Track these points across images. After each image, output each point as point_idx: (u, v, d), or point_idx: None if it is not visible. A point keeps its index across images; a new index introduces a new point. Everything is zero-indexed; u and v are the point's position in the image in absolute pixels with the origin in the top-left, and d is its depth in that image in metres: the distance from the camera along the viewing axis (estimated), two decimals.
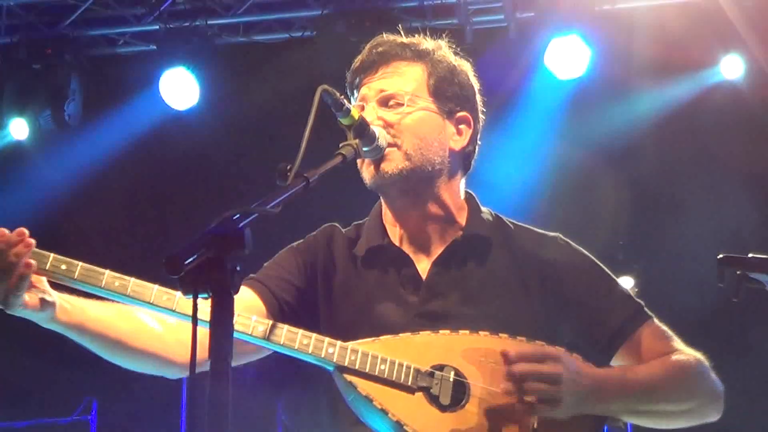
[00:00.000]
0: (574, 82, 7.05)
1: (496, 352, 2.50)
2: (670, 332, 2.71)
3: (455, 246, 2.70)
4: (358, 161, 2.66)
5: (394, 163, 2.61)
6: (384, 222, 2.76)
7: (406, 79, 2.69)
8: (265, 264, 2.77)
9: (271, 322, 2.50)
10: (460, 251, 2.70)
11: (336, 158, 2.39)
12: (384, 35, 2.77)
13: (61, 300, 2.44)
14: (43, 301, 2.40)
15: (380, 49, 2.72)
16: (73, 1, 7.55)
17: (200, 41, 7.43)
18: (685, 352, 2.66)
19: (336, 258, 2.75)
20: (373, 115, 2.62)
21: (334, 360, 2.48)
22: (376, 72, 2.70)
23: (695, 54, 7.05)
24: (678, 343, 2.69)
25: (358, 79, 2.73)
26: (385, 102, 2.66)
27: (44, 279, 2.42)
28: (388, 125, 2.62)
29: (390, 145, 2.60)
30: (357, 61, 2.75)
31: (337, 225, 2.83)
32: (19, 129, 7.65)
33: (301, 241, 2.81)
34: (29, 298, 2.38)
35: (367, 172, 2.65)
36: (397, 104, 2.65)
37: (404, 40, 2.76)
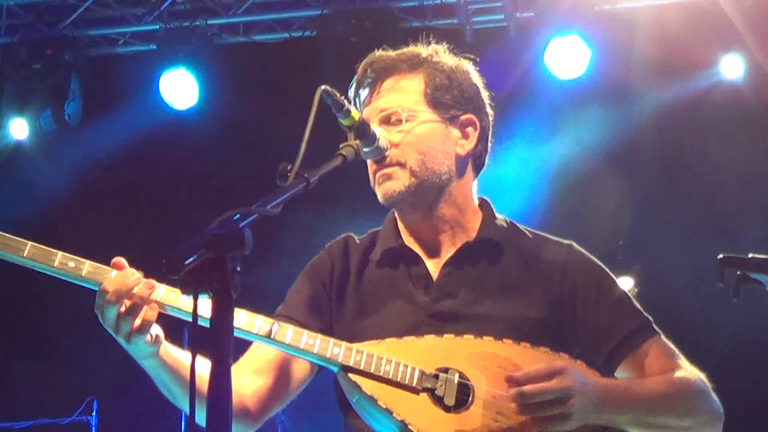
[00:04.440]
0: (574, 82, 7.04)
1: (499, 356, 2.52)
2: (675, 350, 2.69)
3: (467, 248, 2.72)
4: (371, 178, 2.70)
5: (400, 182, 2.65)
6: (398, 225, 2.79)
7: (404, 94, 2.69)
8: (287, 293, 2.80)
9: (276, 322, 2.51)
10: (471, 254, 2.71)
11: (336, 159, 2.40)
12: (377, 51, 2.77)
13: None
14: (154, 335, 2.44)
15: (375, 66, 2.73)
16: (73, 1, 7.54)
17: (200, 41, 7.42)
18: (688, 370, 2.65)
19: (351, 266, 2.77)
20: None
21: (339, 360, 2.49)
22: (375, 90, 2.71)
23: (695, 54, 7.04)
24: (683, 361, 2.68)
25: (359, 98, 2.74)
26: (387, 120, 2.67)
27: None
28: (393, 146, 2.64)
29: (396, 164, 2.64)
30: (354, 81, 2.75)
31: (352, 234, 2.86)
32: (19, 129, 7.65)
33: (317, 257, 2.83)
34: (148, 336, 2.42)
35: (378, 192, 2.69)
36: (398, 121, 2.66)
37: (398, 52, 2.76)
